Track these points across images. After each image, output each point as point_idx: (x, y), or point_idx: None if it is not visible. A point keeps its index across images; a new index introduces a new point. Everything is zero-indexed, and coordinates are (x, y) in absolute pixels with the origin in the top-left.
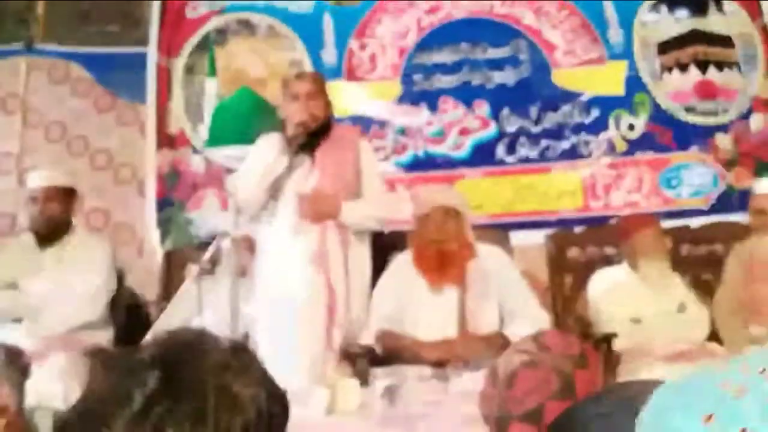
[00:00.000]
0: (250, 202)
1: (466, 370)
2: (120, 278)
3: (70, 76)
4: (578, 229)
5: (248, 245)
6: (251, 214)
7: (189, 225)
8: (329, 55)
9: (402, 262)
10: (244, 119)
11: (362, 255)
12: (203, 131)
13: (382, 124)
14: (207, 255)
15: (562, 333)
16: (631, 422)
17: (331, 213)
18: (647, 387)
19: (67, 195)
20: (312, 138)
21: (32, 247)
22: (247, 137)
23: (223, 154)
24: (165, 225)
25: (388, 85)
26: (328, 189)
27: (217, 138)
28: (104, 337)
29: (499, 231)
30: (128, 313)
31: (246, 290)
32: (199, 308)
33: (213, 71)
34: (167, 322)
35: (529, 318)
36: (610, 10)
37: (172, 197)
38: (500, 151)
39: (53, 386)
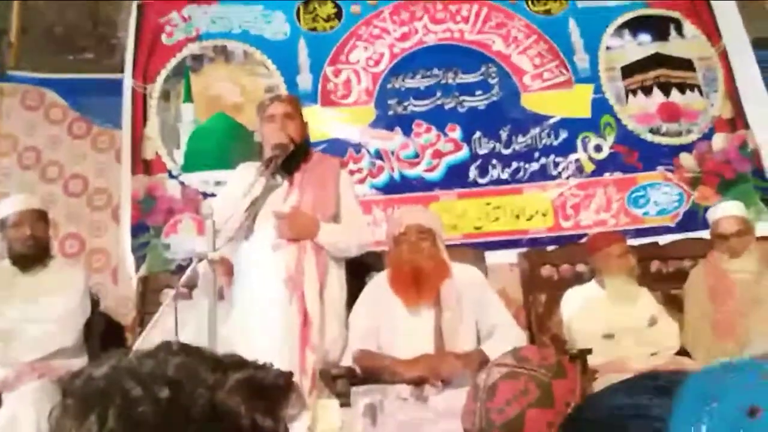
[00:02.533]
0: (228, 224)
1: (446, 388)
2: (95, 304)
3: (44, 102)
4: (550, 248)
5: (226, 267)
6: (228, 236)
7: (165, 250)
8: (304, 81)
9: (379, 282)
10: (220, 144)
11: (338, 277)
12: (179, 156)
13: (358, 147)
14: (183, 278)
15: (540, 347)
16: (664, 410)
17: (308, 232)
18: (678, 375)
19: (45, 218)
20: (290, 160)
21: (10, 272)
22: (223, 162)
23: (199, 179)
24: (140, 250)
25: (362, 109)
26: (307, 209)
27: (192, 163)
28: (78, 363)
29: (474, 250)
30: (103, 339)
31: (224, 313)
32: (175, 333)
33: (189, 97)
34: (143, 347)
35: (505, 335)
36: (576, 36)
37: (148, 222)
38: (473, 172)
39: (25, 414)
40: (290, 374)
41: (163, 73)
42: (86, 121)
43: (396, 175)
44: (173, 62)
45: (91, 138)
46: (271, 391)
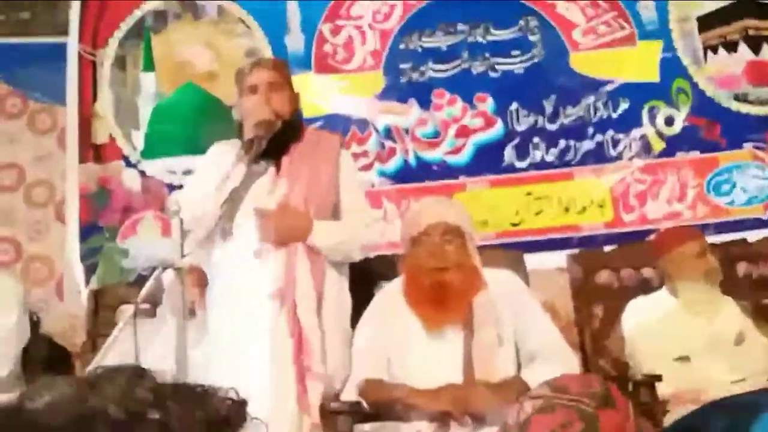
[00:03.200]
0: (200, 223)
1: (476, 426)
2: (35, 325)
3: None
4: (608, 249)
5: (197, 278)
6: (200, 238)
7: (122, 256)
8: (295, 42)
9: (390, 296)
10: (189, 123)
11: (339, 288)
12: (138, 139)
13: (363, 124)
14: (144, 292)
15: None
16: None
17: (299, 233)
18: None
19: None
20: (277, 141)
21: None
22: (193, 145)
23: (163, 168)
24: (91, 257)
25: (368, 76)
26: (297, 204)
27: (155, 147)
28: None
29: (511, 252)
30: (46, 368)
31: (196, 334)
32: (135, 358)
33: (150, 65)
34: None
35: (551, 359)
36: None
37: (100, 223)
38: (509, 154)
39: None
40: (243, 402)
41: (117, 36)
42: (21, 95)
43: (411, 159)
44: (129, 21)
45: (28, 117)
46: (216, 426)
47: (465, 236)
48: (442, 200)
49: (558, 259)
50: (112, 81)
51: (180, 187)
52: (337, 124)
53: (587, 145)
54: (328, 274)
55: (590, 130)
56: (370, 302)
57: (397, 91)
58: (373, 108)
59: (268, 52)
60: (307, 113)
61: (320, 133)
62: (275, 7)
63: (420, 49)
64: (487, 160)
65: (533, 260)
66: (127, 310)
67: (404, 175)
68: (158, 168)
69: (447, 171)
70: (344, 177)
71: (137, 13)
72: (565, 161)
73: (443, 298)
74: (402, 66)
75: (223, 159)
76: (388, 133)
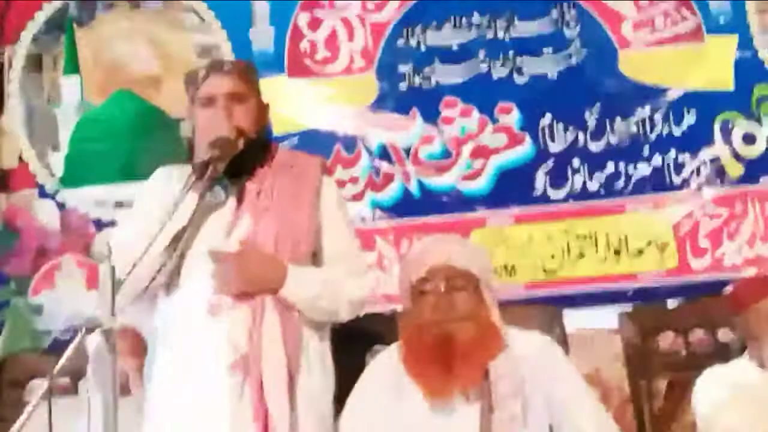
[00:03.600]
0: (138, 271)
1: None
2: None
3: None
4: (672, 304)
5: (132, 344)
6: (137, 291)
7: (33, 315)
8: (262, 37)
9: (387, 363)
10: (123, 141)
11: (320, 355)
12: (58, 162)
13: (351, 142)
14: (63, 362)
15: None
16: None
17: (268, 283)
18: None
19: None
20: (239, 164)
21: None
22: (129, 170)
23: (90, 199)
24: None
25: (357, 81)
26: (266, 245)
27: (79, 172)
28: None
29: (544, 308)
30: None
31: (131, 417)
32: None
33: (73, 66)
34: None
35: None
36: None
37: (5, 271)
38: (541, 180)
39: None
40: None
41: (31, 28)
42: None
43: (414, 187)
44: (47, 10)
45: None
46: None
47: (480, 283)
48: (451, 238)
49: (606, 317)
50: (23, 86)
51: (111, 224)
52: (317, 142)
53: (642, 169)
54: (304, 338)
55: (646, 151)
56: (361, 375)
57: (394, 99)
58: (365, 121)
59: (227, 51)
60: (278, 129)
61: (295, 154)
62: None
63: (424, 47)
64: (512, 189)
65: (574, 319)
66: (40, 386)
67: (405, 207)
68: (83, 199)
69: (460, 202)
70: (327, 211)
71: (56, 2)
72: (615, 190)
73: (449, 357)
74: (401, 68)
75: (168, 188)
76: (384, 153)
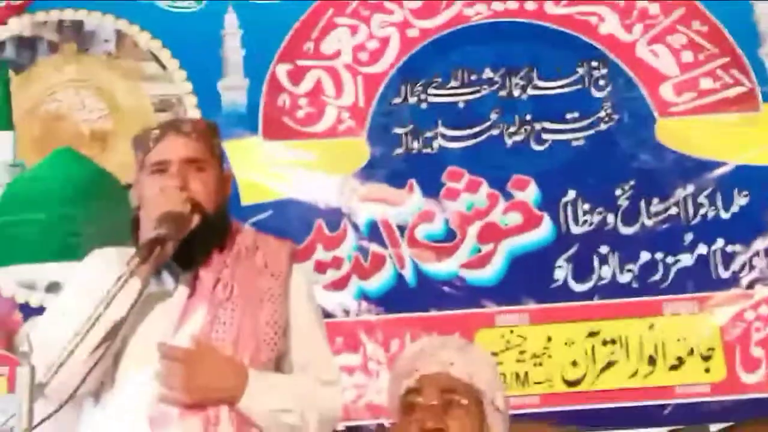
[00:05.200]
0: (63, 375)
1: None
2: None
3: None
4: (717, 427)
5: None
6: (61, 399)
7: None
8: (234, 90)
9: None
10: (63, 211)
11: None
12: None
13: (334, 217)
14: None
15: None
16: None
17: (224, 391)
18: None
19: None
20: (192, 246)
21: None
22: (66, 247)
23: (17, 279)
24: None
25: (344, 144)
26: (222, 345)
27: (7, 248)
28: None
29: (564, 429)
30: None
31: None
32: None
33: (5, 118)
34: None
35: None
36: (763, 12)
37: None
38: (561, 271)
39: None
40: None
41: None
42: None
43: (409, 274)
44: None
45: None
46: None
47: (483, 399)
48: (451, 341)
49: None
50: None
51: (38, 312)
52: (294, 215)
53: (685, 260)
54: None
55: (689, 238)
56: None
57: (388, 167)
58: (351, 193)
59: (192, 105)
60: (248, 197)
61: (261, 237)
62: (205, 36)
63: (425, 105)
64: (527, 280)
65: None
66: None
67: (397, 298)
68: (8, 280)
69: (465, 294)
70: (296, 307)
71: None
72: (650, 285)
73: None
74: (397, 130)
75: (105, 272)
76: (374, 231)
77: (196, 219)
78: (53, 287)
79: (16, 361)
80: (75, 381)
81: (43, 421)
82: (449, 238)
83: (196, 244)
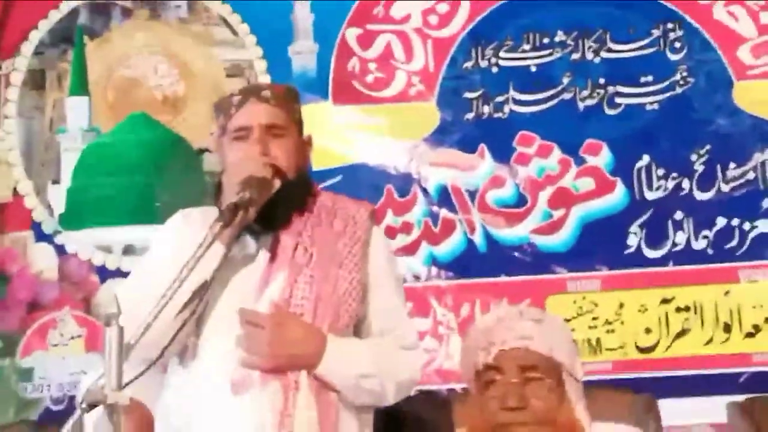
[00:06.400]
0: (150, 336)
1: None
2: None
3: None
4: None
5: (140, 423)
6: (150, 359)
7: (22, 380)
8: (304, 55)
9: None
10: (137, 175)
11: None
12: (58, 198)
13: (404, 182)
14: None
15: None
16: None
17: (304, 357)
18: None
19: None
20: (273, 210)
21: None
22: (143, 210)
23: (94, 242)
24: None
25: (414, 109)
26: (303, 310)
27: (83, 211)
28: None
29: (637, 397)
30: None
31: None
32: None
33: (81, 85)
34: None
35: None
36: None
37: None
38: (634, 237)
39: None
40: None
41: (33, 39)
42: None
43: (479, 239)
44: (52, 18)
45: None
46: None
47: (561, 372)
48: (527, 312)
49: (714, 408)
50: (22, 107)
51: (118, 273)
52: (364, 180)
53: (762, 226)
54: (342, 424)
55: (766, 203)
56: None
57: (459, 132)
58: (422, 157)
59: (262, 70)
60: (318, 162)
61: (340, 199)
62: (275, 1)
63: (496, 69)
64: (599, 246)
65: (673, 410)
66: None
67: (468, 264)
68: (85, 243)
69: (535, 260)
70: (375, 271)
71: (64, 7)
72: (726, 251)
73: None
74: (467, 94)
75: (188, 235)
76: (444, 197)
77: (277, 183)
78: (129, 250)
79: (93, 323)
80: (162, 342)
81: (132, 381)
82: (520, 204)
83: (278, 208)
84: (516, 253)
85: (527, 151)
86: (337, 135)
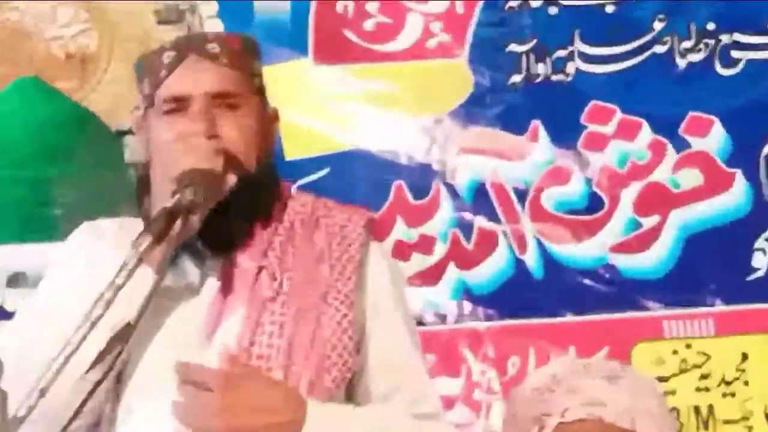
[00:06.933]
0: (50, 407)
1: None
2: None
3: None
4: None
5: None
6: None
7: None
8: None
9: None
10: (27, 169)
11: None
12: None
13: (421, 176)
14: None
15: None
16: None
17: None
18: None
19: None
20: (224, 222)
21: None
22: (36, 222)
23: None
24: None
25: (436, 69)
26: (271, 362)
27: None
28: None
29: None
30: None
31: None
32: None
33: None
34: None
35: None
36: None
37: None
38: (762, 256)
39: None
40: None
41: None
42: None
43: (532, 260)
44: None
45: None
46: None
47: None
48: (596, 367)
49: None
50: None
51: (2, 315)
52: (362, 174)
53: None
54: None
55: None
56: None
57: (500, 103)
58: (447, 140)
59: (210, 14)
60: (294, 150)
61: (325, 204)
62: None
63: (555, 10)
64: (712, 269)
65: None
66: None
67: (516, 296)
68: None
69: (617, 291)
70: (376, 304)
71: None
72: None
73: None
74: (513, 47)
75: (101, 257)
76: (480, 198)
77: (231, 179)
78: (15, 280)
79: None
80: (65, 413)
81: None
82: (593, 208)
83: (232, 216)
84: (587, 281)
85: (602, 129)
86: (321, 108)
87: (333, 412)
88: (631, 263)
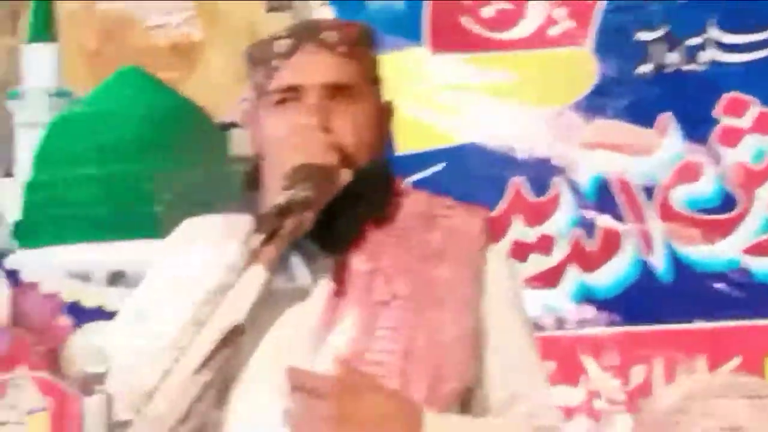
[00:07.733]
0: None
1: None
2: None
3: None
4: None
5: None
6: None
7: None
8: None
9: None
10: (130, 163)
11: None
12: (12, 198)
13: (541, 172)
14: None
15: None
16: None
17: None
18: None
19: None
20: (337, 220)
21: None
22: (138, 218)
23: (67, 267)
24: None
25: (558, 59)
26: (386, 370)
27: (51, 221)
28: None
29: None
30: None
31: None
32: None
33: (45, 27)
34: None
35: None
36: None
37: None
38: None
39: None
40: None
41: None
42: None
43: (661, 262)
44: None
45: None
46: None
47: None
48: (734, 383)
49: None
50: None
51: (103, 315)
52: (477, 170)
53: None
54: None
55: None
56: None
57: (627, 94)
58: (570, 134)
59: (323, 5)
60: (408, 143)
61: (440, 203)
62: None
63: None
64: None
65: None
66: None
67: (642, 301)
68: (51, 267)
69: (753, 295)
70: (495, 311)
71: None
72: None
73: None
74: (641, 35)
75: (206, 256)
76: (604, 195)
77: (345, 175)
78: (117, 278)
79: (62, 390)
80: (171, 417)
81: None
82: (726, 207)
83: (345, 214)
84: (718, 285)
85: (737, 123)
86: (437, 100)
87: (451, 424)
88: (767, 267)
